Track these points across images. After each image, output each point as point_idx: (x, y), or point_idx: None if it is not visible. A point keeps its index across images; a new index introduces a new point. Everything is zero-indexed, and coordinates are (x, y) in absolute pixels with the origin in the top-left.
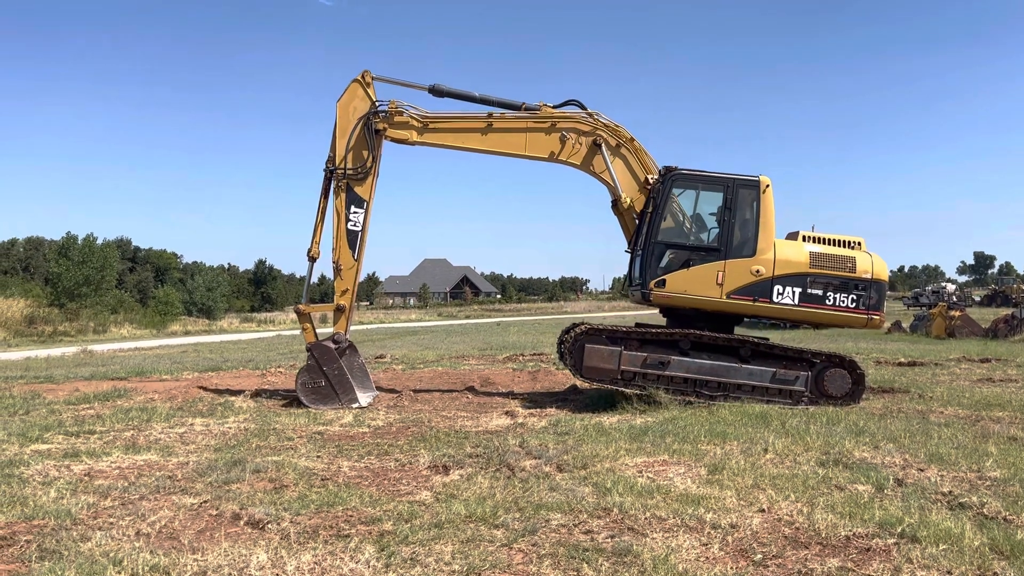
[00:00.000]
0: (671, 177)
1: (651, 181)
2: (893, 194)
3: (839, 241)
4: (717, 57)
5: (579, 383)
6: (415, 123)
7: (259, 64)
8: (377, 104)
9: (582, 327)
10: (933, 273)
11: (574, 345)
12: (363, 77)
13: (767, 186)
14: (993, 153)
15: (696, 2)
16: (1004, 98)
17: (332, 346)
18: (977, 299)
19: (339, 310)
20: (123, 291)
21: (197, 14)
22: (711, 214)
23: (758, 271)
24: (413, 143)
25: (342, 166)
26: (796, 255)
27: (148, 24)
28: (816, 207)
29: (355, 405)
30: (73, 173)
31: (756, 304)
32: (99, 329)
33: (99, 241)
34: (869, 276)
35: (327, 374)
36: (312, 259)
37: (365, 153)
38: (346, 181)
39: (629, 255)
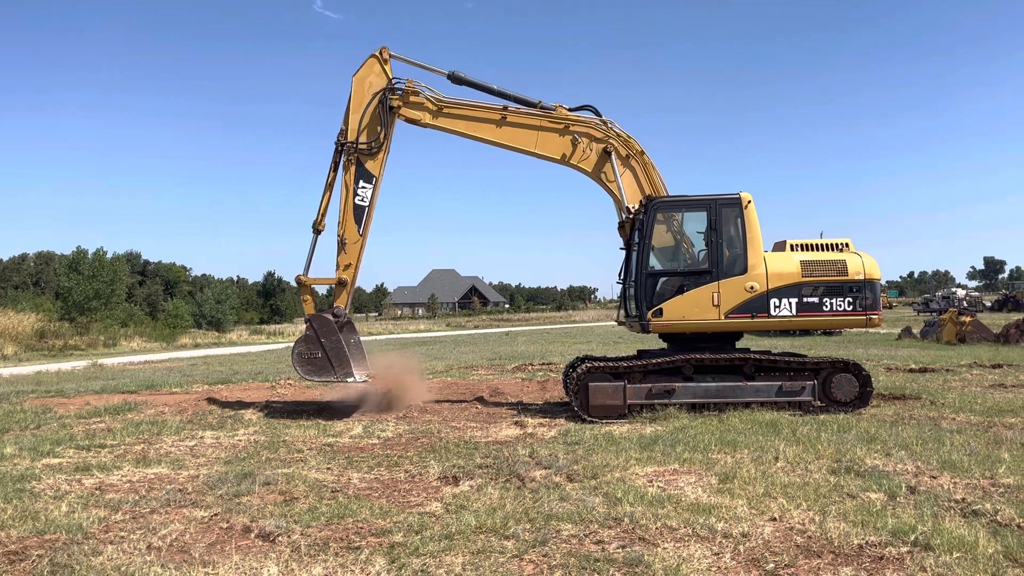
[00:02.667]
0: (653, 206)
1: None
2: (902, 199)
3: (827, 245)
4: (720, 64)
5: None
6: (430, 105)
7: (267, 77)
8: (394, 81)
9: (584, 366)
10: (943, 278)
11: (578, 385)
12: (381, 53)
13: (749, 201)
14: (1002, 156)
15: (699, 11)
16: (1012, 100)
17: (331, 319)
18: (988, 304)
19: (341, 284)
20: (133, 304)
21: (204, 29)
22: (698, 233)
23: (752, 287)
24: (425, 125)
25: (354, 140)
26: (787, 266)
27: (157, 39)
28: (822, 213)
29: (350, 380)
30: (83, 188)
31: (755, 320)
32: (109, 343)
33: (109, 255)
34: (862, 277)
35: (324, 346)
36: (317, 231)
37: (378, 129)
38: (356, 155)
39: (621, 286)
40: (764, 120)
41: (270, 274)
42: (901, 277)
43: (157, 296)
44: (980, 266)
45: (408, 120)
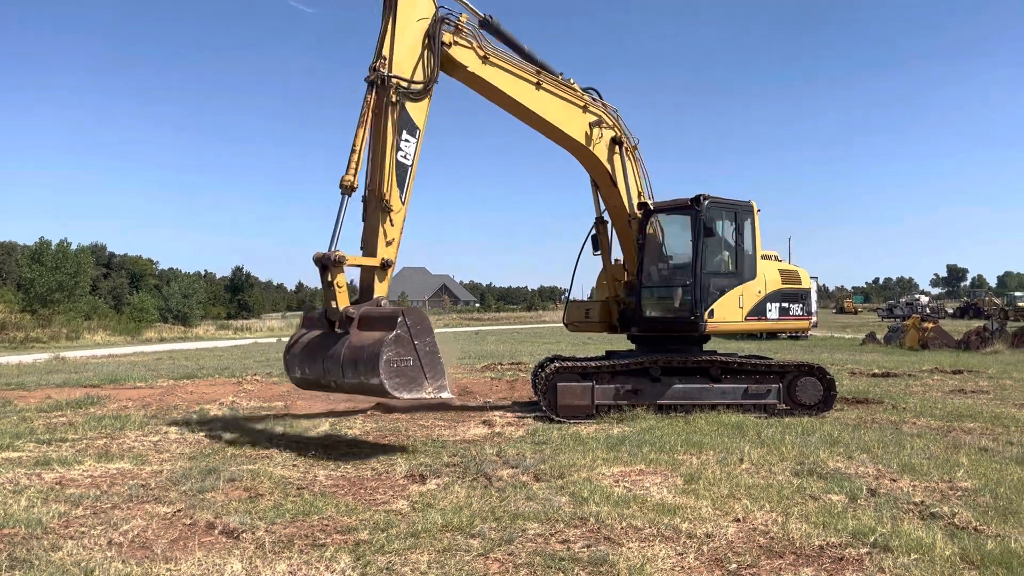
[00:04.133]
0: (709, 205)
1: (643, 198)
2: (868, 206)
3: (766, 257)
4: (701, 79)
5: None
6: (478, 50)
7: (239, 71)
8: (442, 11)
9: (553, 366)
10: (907, 285)
11: (547, 385)
12: None
13: (758, 210)
14: (965, 167)
15: (686, 24)
16: (977, 112)
17: (426, 314)
18: (950, 311)
19: (384, 266)
20: (97, 297)
21: (175, 22)
22: (701, 237)
23: (759, 291)
24: (467, 74)
25: (400, 75)
26: (774, 274)
27: (126, 31)
28: (788, 221)
29: (444, 395)
30: (47, 178)
31: (759, 322)
32: (72, 335)
33: (73, 247)
34: (805, 286)
35: (418, 349)
36: (350, 191)
37: (426, 66)
38: (402, 96)
39: (637, 286)
40: (733, 139)
41: (238, 269)
42: (867, 283)
43: (122, 289)
44: (943, 274)
45: (452, 62)
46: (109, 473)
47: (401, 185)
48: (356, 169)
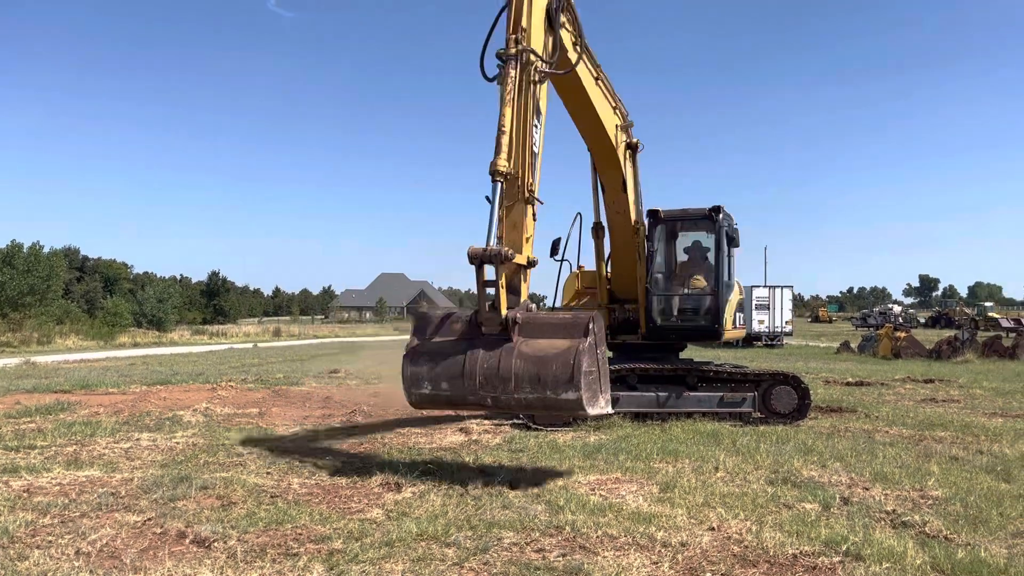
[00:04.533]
0: (725, 217)
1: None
2: (842, 216)
3: None
4: (671, 84)
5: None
6: (572, 33)
7: (214, 75)
8: None
9: None
10: (880, 295)
11: None
12: None
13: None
14: (937, 177)
15: (659, 30)
16: (951, 123)
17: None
18: (922, 321)
19: (530, 265)
20: (70, 301)
21: (151, 25)
22: (723, 247)
23: (736, 301)
24: (560, 57)
25: (537, 52)
26: (736, 285)
27: (100, 34)
28: (763, 230)
29: (610, 408)
30: (20, 180)
31: (734, 330)
32: (43, 340)
33: (46, 250)
34: (742, 297)
35: (599, 359)
36: (504, 176)
37: (548, 44)
38: (538, 75)
39: (647, 294)
40: (697, 145)
41: (214, 274)
42: (841, 292)
43: (96, 293)
44: (916, 283)
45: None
46: (78, 481)
47: (532, 173)
48: (510, 152)
